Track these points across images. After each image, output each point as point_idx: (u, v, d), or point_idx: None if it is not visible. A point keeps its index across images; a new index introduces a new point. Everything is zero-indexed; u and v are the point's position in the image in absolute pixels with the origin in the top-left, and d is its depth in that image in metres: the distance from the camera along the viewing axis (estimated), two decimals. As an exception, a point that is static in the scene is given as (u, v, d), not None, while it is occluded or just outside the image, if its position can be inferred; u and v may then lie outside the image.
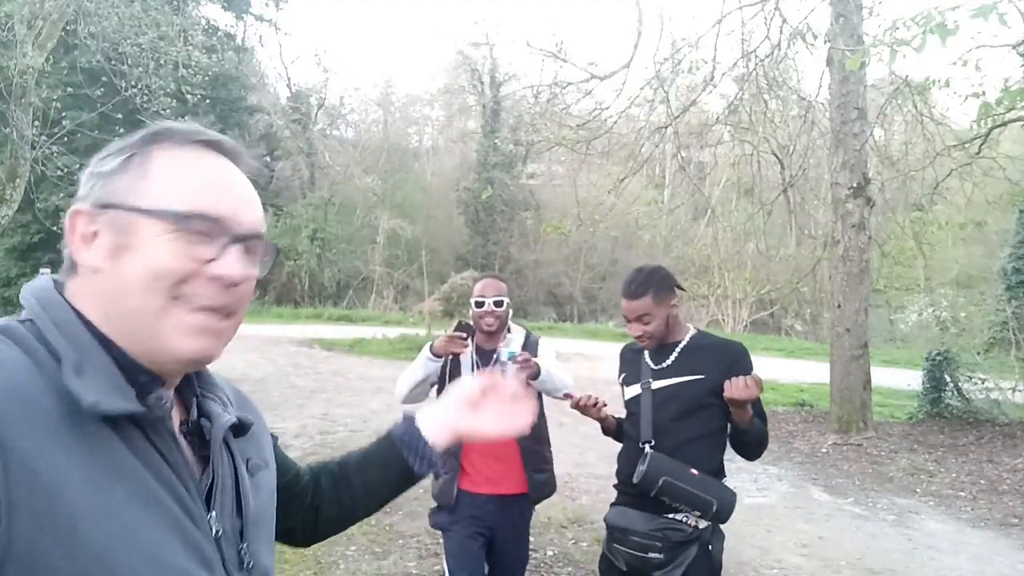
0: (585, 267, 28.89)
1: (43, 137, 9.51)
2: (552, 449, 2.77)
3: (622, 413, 2.39)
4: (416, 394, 2.65)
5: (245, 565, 0.76)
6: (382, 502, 1.05)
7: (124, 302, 0.69)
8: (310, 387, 9.58)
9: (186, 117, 14.45)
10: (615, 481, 2.33)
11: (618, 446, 2.39)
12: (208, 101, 16.45)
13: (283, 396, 8.79)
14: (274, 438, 0.96)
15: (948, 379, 8.76)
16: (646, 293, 2.16)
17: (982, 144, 8.13)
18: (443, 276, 22.67)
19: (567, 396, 2.40)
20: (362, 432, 7.05)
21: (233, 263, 0.72)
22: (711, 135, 11.62)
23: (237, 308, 0.75)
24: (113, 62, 9.57)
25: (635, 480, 2.08)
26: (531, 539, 2.90)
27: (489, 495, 2.60)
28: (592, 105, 10.70)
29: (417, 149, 35.27)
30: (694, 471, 2.05)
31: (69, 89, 11.31)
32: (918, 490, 6.28)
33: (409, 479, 1.02)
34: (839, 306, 8.32)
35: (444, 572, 2.63)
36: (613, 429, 2.41)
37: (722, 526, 2.18)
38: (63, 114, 10.50)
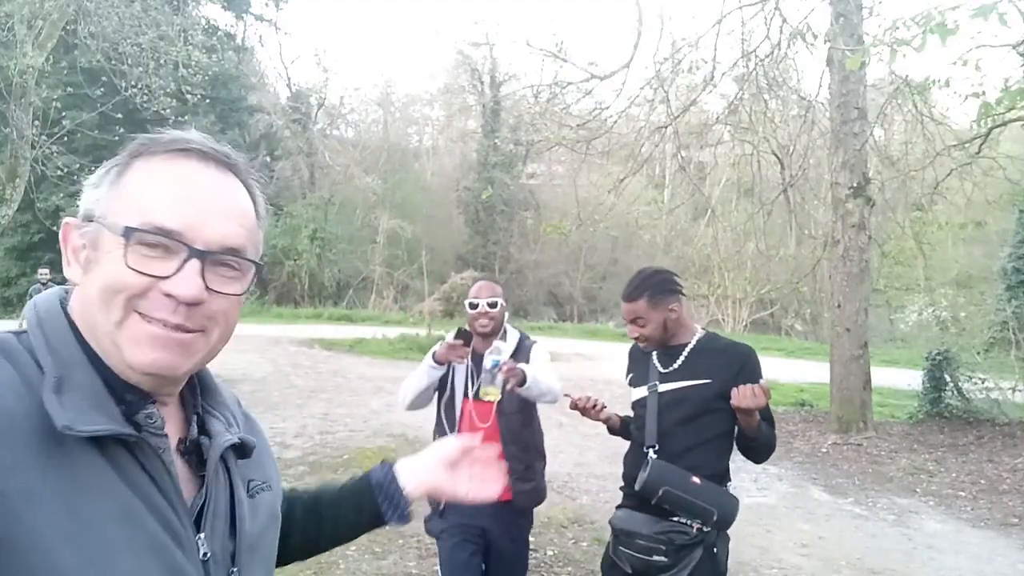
0: (585, 267, 28.92)
1: (43, 137, 9.53)
2: (547, 458, 2.76)
3: (626, 412, 2.39)
4: (420, 400, 2.68)
5: None
6: (349, 539, 1.07)
7: (93, 315, 0.68)
8: (310, 387, 9.57)
9: (186, 117, 14.49)
10: (615, 481, 2.33)
11: (620, 445, 2.39)
12: (208, 101, 16.48)
13: (283, 396, 8.79)
14: None
15: (948, 379, 8.74)
16: (641, 297, 2.17)
17: (982, 144, 8.11)
18: (443, 276, 22.69)
19: (566, 397, 2.40)
20: (362, 432, 7.04)
21: (187, 281, 0.67)
22: (711, 135, 11.62)
23: (205, 326, 0.71)
24: (113, 62, 9.58)
25: (636, 487, 2.09)
26: (531, 539, 2.89)
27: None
28: (592, 105, 10.74)
29: (417, 149, 35.28)
30: (696, 479, 2.05)
31: (69, 89, 11.33)
32: (918, 490, 6.28)
33: (378, 524, 1.03)
34: (839, 306, 8.32)
35: None
36: (619, 428, 2.41)
37: None
38: (63, 114, 10.52)
